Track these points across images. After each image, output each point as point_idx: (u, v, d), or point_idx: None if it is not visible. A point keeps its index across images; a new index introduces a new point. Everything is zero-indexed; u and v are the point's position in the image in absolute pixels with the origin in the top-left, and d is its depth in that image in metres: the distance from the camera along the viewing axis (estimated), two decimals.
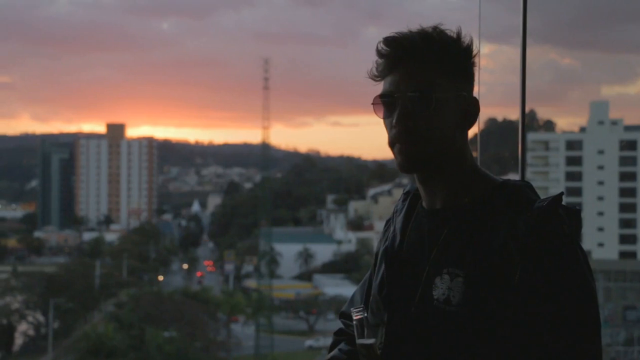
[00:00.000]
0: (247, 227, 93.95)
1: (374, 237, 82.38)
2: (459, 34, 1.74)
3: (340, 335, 2.00)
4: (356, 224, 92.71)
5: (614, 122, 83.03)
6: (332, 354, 1.97)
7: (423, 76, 1.71)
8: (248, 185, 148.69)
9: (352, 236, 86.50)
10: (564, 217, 1.67)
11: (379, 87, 1.79)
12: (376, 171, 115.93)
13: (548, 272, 1.63)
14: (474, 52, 1.76)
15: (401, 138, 1.72)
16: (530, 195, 1.71)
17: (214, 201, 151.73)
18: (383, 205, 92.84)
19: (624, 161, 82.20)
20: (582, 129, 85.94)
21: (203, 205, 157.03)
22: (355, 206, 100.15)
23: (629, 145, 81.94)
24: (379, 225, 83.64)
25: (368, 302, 1.87)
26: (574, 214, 1.70)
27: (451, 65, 1.72)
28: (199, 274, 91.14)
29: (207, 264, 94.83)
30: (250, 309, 55.72)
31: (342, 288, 66.98)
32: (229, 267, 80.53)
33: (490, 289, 1.63)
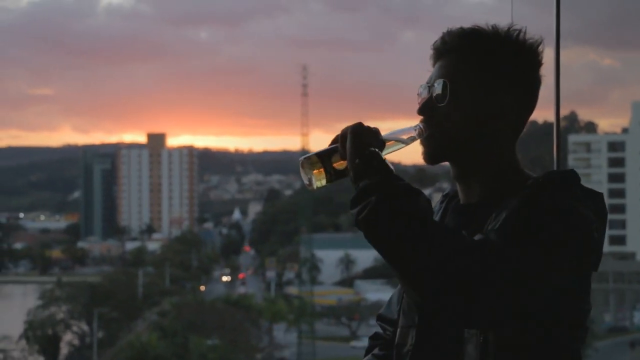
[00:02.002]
0: (288, 234, 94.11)
1: None
2: (507, 35, 1.71)
3: (376, 340, 1.97)
4: None
5: None
6: (366, 359, 1.95)
7: (453, 69, 1.70)
8: (288, 192, 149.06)
9: None
10: (579, 193, 1.61)
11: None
12: (416, 176, 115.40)
13: (523, 217, 1.56)
14: (534, 56, 1.72)
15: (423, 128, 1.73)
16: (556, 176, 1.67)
17: (255, 209, 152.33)
18: None
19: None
20: (624, 130, 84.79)
21: (244, 213, 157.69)
22: None
23: None
24: None
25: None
26: (595, 196, 1.64)
27: (489, 64, 1.70)
28: (241, 275, 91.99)
29: (241, 276, 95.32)
30: (292, 315, 55.75)
31: (383, 293, 66.72)
32: (271, 274, 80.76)
33: None
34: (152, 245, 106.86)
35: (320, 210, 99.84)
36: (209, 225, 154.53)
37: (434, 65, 1.75)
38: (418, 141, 1.72)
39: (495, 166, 1.72)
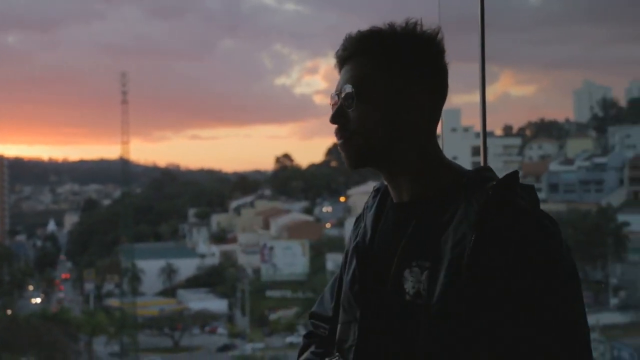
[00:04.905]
0: (107, 244, 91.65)
1: (238, 249, 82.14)
2: (404, 30, 1.71)
3: (310, 338, 1.95)
4: (219, 237, 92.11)
5: (466, 129, 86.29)
6: (303, 357, 1.93)
7: (357, 72, 1.69)
8: (107, 202, 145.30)
9: (216, 249, 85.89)
10: (520, 192, 1.61)
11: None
12: (238, 183, 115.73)
13: (504, 248, 1.53)
14: (434, 45, 1.72)
15: (337, 135, 1.71)
16: (490, 175, 1.68)
17: (71, 219, 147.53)
18: (246, 217, 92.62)
19: (476, 167, 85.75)
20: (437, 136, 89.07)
21: (59, 224, 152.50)
22: (217, 219, 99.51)
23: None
24: (242, 238, 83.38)
25: (339, 300, 1.83)
26: (530, 190, 1.64)
27: (393, 62, 1.68)
28: (57, 282, 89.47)
29: (65, 277, 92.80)
30: (113, 327, 54.34)
31: (206, 302, 66.42)
32: (89, 286, 78.43)
33: (451, 278, 1.55)
34: None
35: (140, 219, 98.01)
36: (21, 237, 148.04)
37: (338, 71, 1.74)
38: (339, 148, 1.71)
39: (420, 162, 1.71)
